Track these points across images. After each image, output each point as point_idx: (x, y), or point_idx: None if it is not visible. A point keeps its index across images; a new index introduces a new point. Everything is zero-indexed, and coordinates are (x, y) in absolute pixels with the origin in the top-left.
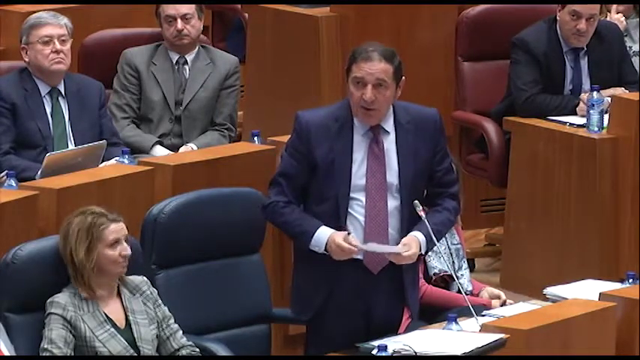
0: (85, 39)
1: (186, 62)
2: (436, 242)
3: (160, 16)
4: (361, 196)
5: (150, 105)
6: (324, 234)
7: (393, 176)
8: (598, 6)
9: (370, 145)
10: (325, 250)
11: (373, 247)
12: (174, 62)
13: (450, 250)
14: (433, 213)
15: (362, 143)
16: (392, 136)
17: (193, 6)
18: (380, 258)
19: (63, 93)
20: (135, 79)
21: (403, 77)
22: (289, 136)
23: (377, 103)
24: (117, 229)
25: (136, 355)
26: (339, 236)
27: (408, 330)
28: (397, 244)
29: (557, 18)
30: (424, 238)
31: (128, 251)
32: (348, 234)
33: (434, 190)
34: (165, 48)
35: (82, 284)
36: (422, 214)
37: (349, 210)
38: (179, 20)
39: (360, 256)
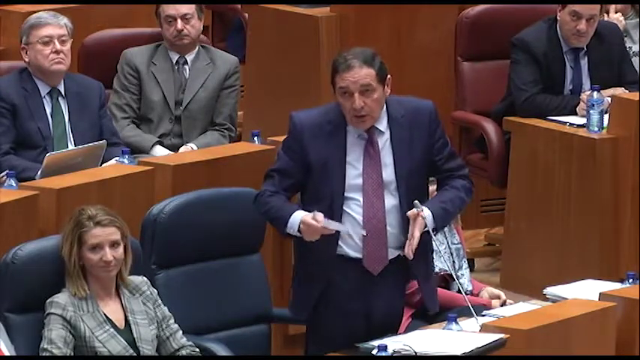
0: (85, 39)
1: (186, 62)
2: (454, 213)
3: (159, 16)
4: (358, 196)
5: (150, 105)
6: (297, 217)
7: (389, 175)
8: (598, 6)
9: (365, 145)
10: (299, 231)
11: (333, 224)
12: (174, 62)
13: (450, 249)
14: (441, 192)
15: (356, 144)
16: (386, 135)
17: (193, 6)
18: (380, 259)
19: (63, 93)
20: (135, 79)
21: (389, 76)
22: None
23: (367, 109)
24: (100, 233)
25: (135, 355)
26: (307, 215)
27: (408, 330)
28: (398, 242)
29: (558, 18)
30: (430, 214)
31: (108, 257)
32: (315, 213)
33: (442, 176)
34: (165, 48)
35: (70, 282)
36: (422, 213)
37: (347, 210)
38: (179, 20)
39: (359, 255)
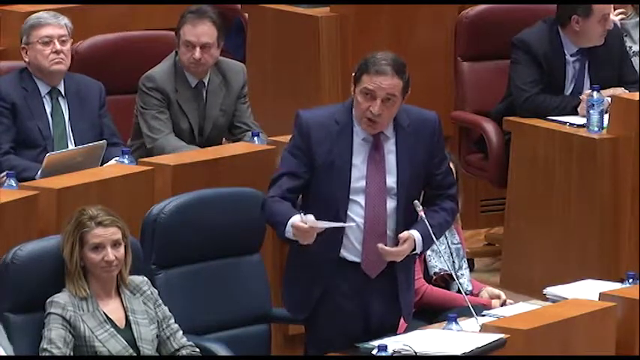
0: (79, 45)
1: (203, 85)
2: (435, 240)
3: (179, 37)
4: (360, 199)
5: (179, 133)
6: (293, 221)
7: (392, 180)
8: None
9: (370, 149)
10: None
11: (324, 223)
12: (194, 87)
13: (450, 249)
14: (431, 213)
15: (362, 147)
16: (392, 140)
17: (215, 35)
18: (378, 262)
19: (63, 93)
20: (166, 102)
21: (409, 91)
22: (289, 136)
23: (382, 117)
24: (102, 233)
25: (135, 355)
26: (295, 218)
27: (407, 330)
28: (394, 245)
29: (578, 29)
30: (420, 237)
31: (110, 257)
32: (304, 214)
33: (432, 193)
34: (182, 69)
35: (70, 282)
36: (422, 213)
37: (350, 214)
38: (198, 49)
39: (357, 259)
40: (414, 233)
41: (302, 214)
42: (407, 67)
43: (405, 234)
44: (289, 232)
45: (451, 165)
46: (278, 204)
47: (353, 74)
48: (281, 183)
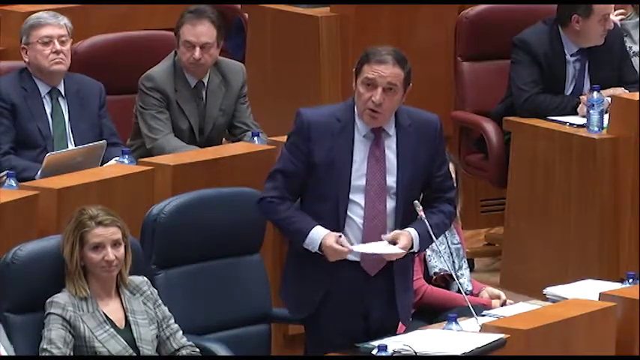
0: (78, 45)
1: (203, 85)
2: (435, 239)
3: (179, 37)
4: (359, 198)
5: (179, 134)
6: (317, 234)
7: (392, 179)
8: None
9: (371, 147)
10: (319, 249)
11: (363, 247)
12: (193, 87)
13: (450, 249)
14: (429, 215)
15: (363, 145)
16: (393, 139)
17: (214, 34)
18: (377, 260)
19: (63, 93)
20: (165, 103)
21: (411, 84)
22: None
23: (384, 107)
24: (102, 233)
25: (135, 355)
26: (331, 238)
27: (407, 330)
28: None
29: (579, 29)
30: (417, 235)
31: (110, 257)
32: (340, 236)
33: (431, 195)
34: (182, 69)
35: (70, 282)
36: (422, 213)
37: (349, 213)
38: (197, 48)
39: (357, 258)
40: (411, 231)
41: (339, 236)
42: (409, 61)
43: (398, 231)
44: (312, 245)
45: (451, 165)
46: (286, 207)
47: (354, 69)
48: (279, 183)
